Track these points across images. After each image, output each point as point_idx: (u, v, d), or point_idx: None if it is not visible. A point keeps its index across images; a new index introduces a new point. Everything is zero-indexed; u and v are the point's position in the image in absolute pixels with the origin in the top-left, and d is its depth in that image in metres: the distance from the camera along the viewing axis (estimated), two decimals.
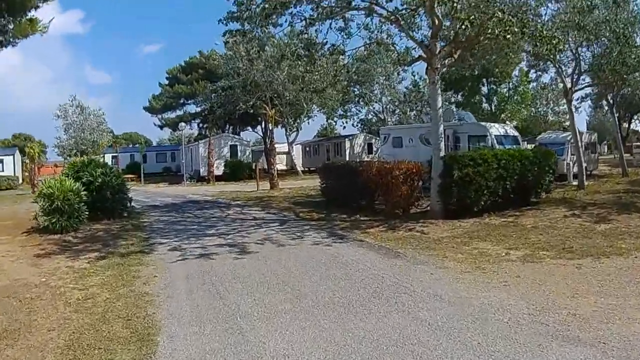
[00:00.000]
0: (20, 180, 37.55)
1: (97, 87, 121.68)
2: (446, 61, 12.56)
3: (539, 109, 50.18)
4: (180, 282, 7.17)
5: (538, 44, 11.78)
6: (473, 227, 10.88)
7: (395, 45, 14.74)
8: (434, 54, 12.08)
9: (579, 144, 17.98)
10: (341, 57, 14.85)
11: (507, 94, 42.52)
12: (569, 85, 18.59)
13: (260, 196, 19.88)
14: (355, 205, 13.88)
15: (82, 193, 12.30)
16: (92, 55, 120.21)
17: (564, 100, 51.06)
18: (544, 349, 4.37)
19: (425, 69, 12.50)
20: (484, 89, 42.67)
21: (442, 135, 11.95)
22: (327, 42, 13.71)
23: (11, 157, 39.30)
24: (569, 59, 18.70)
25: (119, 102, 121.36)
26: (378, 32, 14.90)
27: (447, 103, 47.45)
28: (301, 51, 14.18)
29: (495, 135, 20.29)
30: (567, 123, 51.30)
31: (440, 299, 5.94)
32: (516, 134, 23.01)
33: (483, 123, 23.15)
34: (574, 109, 20.31)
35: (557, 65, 18.51)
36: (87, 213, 12.35)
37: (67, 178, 12.87)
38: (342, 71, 14.57)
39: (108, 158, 47.40)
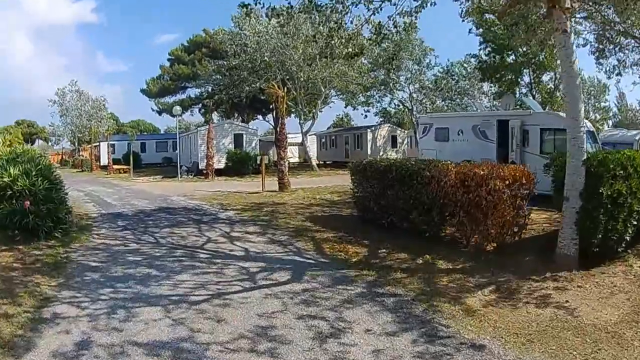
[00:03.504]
0: None
1: (112, 75, 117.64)
2: (575, 4, 7.48)
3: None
4: None
5: None
6: (635, 289, 6.09)
7: None
8: None
9: None
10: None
11: (553, 85, 37.27)
12: None
13: (264, 202, 14.69)
14: (408, 229, 8.82)
15: None
16: (107, 43, 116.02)
17: (606, 96, 45.03)
18: None
19: (544, 13, 7.34)
20: (526, 79, 37.23)
21: (584, 125, 6.75)
22: None
23: None
24: None
25: (133, 90, 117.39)
26: None
27: (482, 95, 42.26)
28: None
29: None
30: (611, 121, 46.15)
31: None
32: (592, 128, 17.64)
33: (560, 112, 17.93)
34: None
35: None
36: None
37: None
38: (390, 23, 9.35)
39: (104, 147, 42.86)
